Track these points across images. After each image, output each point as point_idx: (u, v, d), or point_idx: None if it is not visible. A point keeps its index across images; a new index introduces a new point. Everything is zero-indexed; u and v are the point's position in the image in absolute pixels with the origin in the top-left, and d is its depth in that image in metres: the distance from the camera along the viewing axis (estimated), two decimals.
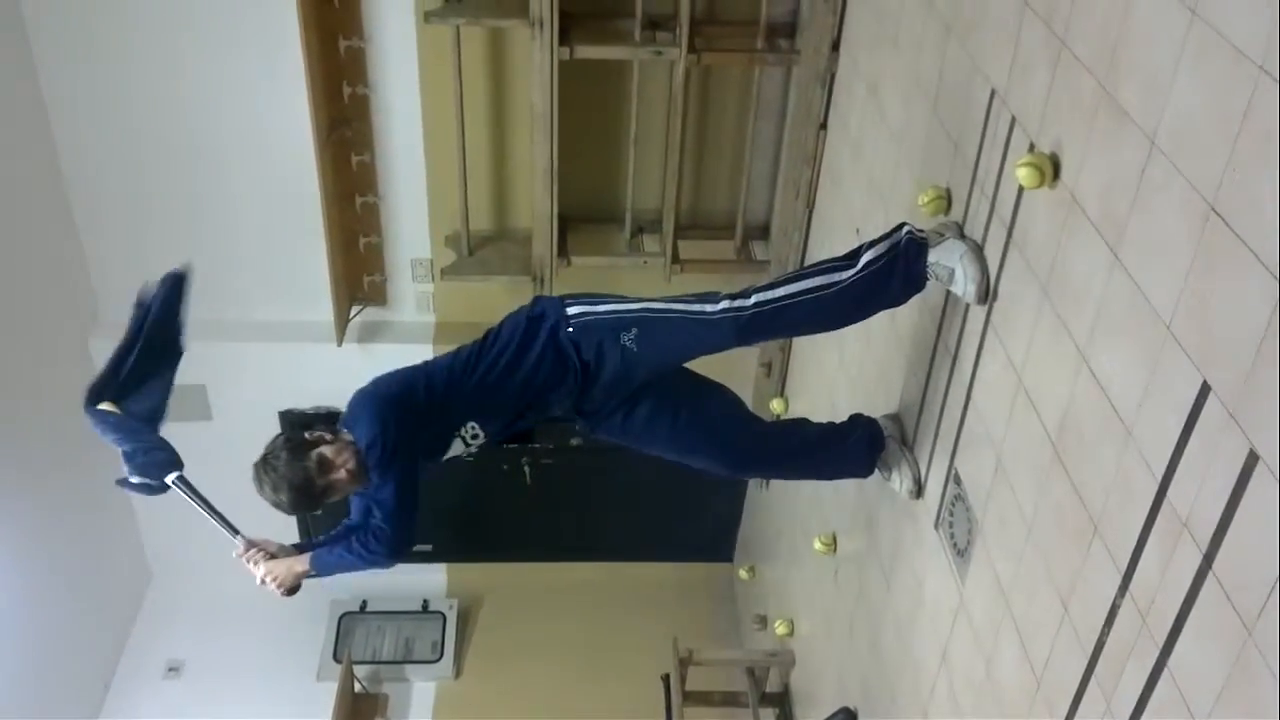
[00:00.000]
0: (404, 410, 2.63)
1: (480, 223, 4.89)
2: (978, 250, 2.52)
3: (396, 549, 2.65)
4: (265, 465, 2.59)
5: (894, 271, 2.59)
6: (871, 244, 2.63)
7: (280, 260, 4.98)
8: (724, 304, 2.64)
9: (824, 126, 3.99)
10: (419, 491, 2.67)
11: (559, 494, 5.94)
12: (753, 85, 4.53)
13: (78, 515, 5.28)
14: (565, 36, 4.08)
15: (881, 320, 3.27)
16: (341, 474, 2.57)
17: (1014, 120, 2.36)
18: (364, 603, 6.04)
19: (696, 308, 2.67)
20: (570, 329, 2.70)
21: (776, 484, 5.11)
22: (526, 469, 5.82)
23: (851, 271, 2.60)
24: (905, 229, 2.62)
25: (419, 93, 4.56)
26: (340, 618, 5.97)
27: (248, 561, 2.79)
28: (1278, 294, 1.49)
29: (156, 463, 2.66)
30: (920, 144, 2.99)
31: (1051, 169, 2.16)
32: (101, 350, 5.13)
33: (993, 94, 2.47)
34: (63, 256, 4.97)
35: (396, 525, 2.63)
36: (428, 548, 6.01)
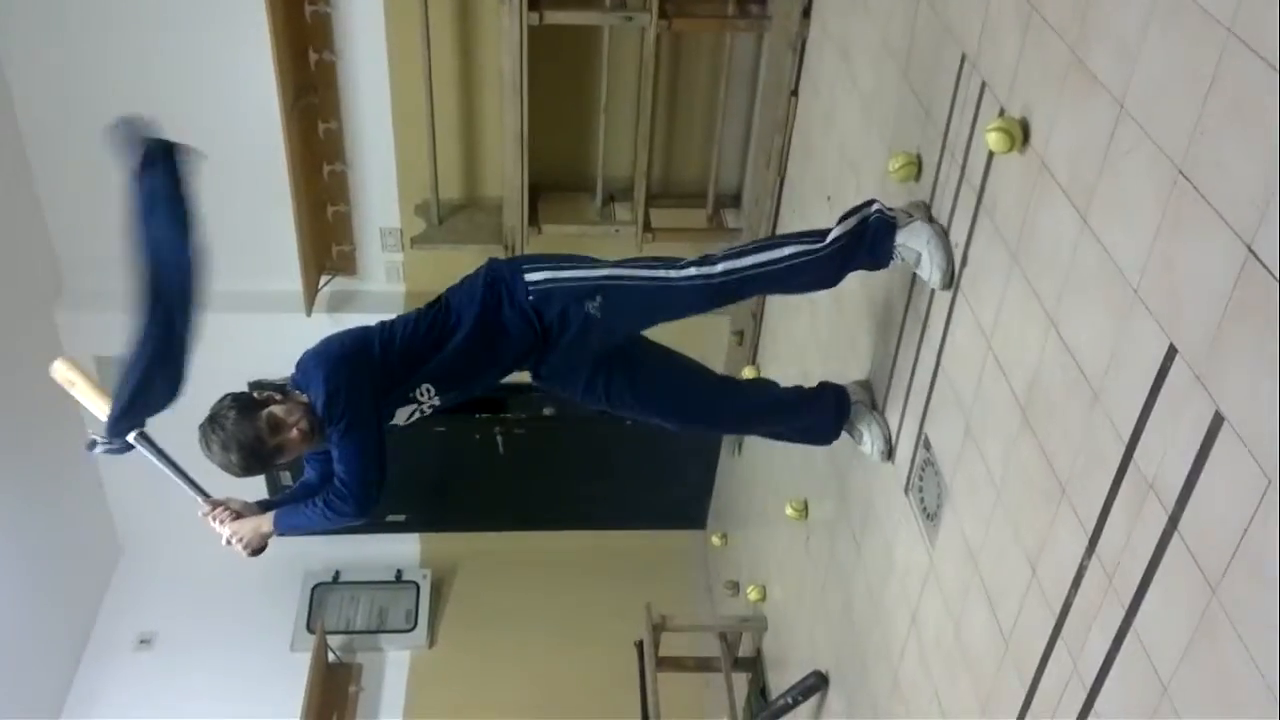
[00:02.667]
0: (357, 367, 2.57)
1: (450, 191, 4.85)
2: (944, 236, 2.54)
3: (363, 506, 2.59)
4: (213, 425, 2.51)
5: (860, 247, 2.63)
6: (841, 219, 2.64)
7: (248, 230, 4.91)
8: (691, 270, 2.63)
9: (795, 93, 3.98)
10: (384, 447, 2.60)
11: (532, 463, 5.94)
12: (724, 52, 4.51)
13: (46, 488, 5.24)
14: (535, 2, 4.04)
15: (852, 287, 3.27)
16: (293, 434, 2.52)
17: (984, 85, 2.36)
18: (337, 573, 6.03)
19: (662, 274, 2.66)
20: (531, 296, 2.66)
21: (749, 452, 5.13)
22: (499, 438, 5.81)
23: (818, 246, 2.63)
24: (874, 207, 2.64)
25: (386, 59, 4.50)
26: (313, 588, 5.96)
27: (213, 520, 2.71)
28: (1244, 257, 1.50)
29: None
30: (891, 110, 2.99)
31: (1021, 134, 2.16)
32: (67, 323, 5.12)
33: (963, 59, 2.47)
34: (25, 227, 4.90)
35: (361, 482, 2.57)
36: (401, 517, 6.00)
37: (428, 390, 2.67)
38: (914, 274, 2.77)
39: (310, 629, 5.70)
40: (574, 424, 5.71)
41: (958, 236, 2.51)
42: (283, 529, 2.71)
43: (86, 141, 4.70)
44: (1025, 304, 2.18)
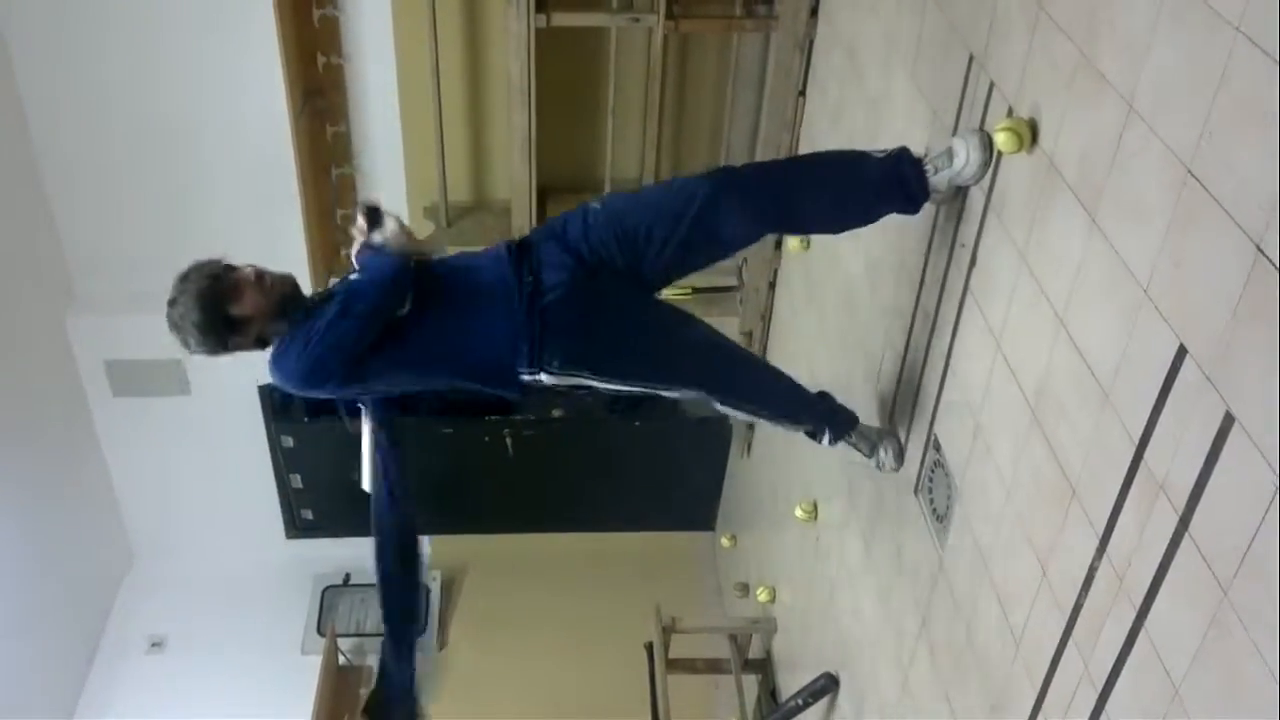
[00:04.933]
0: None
1: (458, 194, 4.86)
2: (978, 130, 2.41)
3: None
4: (176, 282, 2.44)
5: (893, 170, 2.48)
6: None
7: (256, 233, 4.90)
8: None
9: (803, 93, 3.97)
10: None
11: (541, 465, 5.94)
12: (731, 52, 4.51)
13: (58, 492, 5.26)
14: (542, 4, 4.04)
15: (861, 288, 3.27)
16: (248, 272, 2.46)
17: (992, 85, 2.35)
18: (347, 575, 6.05)
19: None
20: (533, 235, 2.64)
21: (758, 452, 5.13)
22: (508, 440, 5.82)
23: (846, 163, 2.58)
24: (901, 147, 2.54)
25: (394, 62, 4.51)
26: (323, 591, 5.98)
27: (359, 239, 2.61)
28: (1254, 257, 1.50)
29: None
30: (898, 110, 2.98)
31: (1030, 134, 2.15)
32: (77, 328, 5.13)
33: (971, 59, 2.46)
34: (36, 234, 4.92)
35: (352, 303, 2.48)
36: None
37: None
38: (921, 275, 2.77)
39: (321, 632, 5.72)
40: (583, 426, 5.71)
41: (966, 238, 2.51)
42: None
43: (96, 146, 4.76)
44: (1034, 304, 2.17)
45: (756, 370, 3.00)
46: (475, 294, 2.57)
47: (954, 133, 2.54)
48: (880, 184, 2.51)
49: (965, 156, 2.36)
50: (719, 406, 2.80)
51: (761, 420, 2.94)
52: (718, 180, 2.57)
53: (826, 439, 2.94)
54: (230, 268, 2.47)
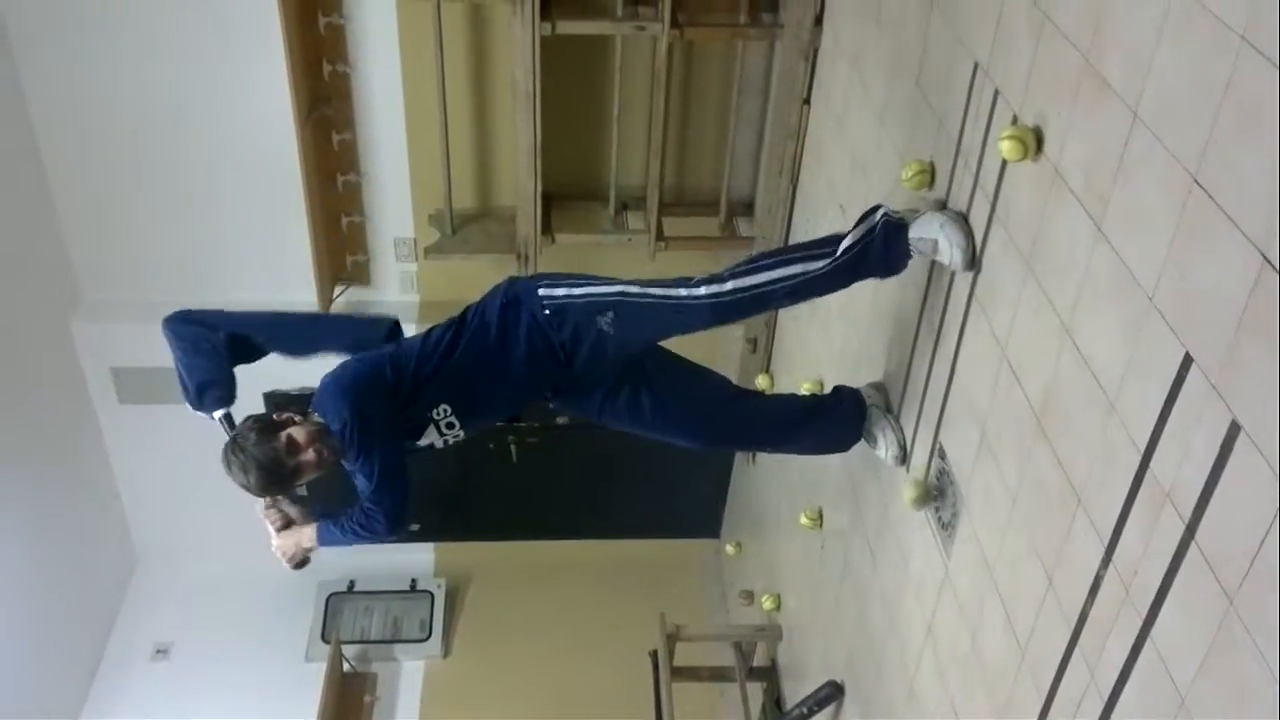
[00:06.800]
0: (368, 394, 2.62)
1: (463, 201, 4.86)
2: (959, 217, 2.52)
3: (392, 523, 2.65)
4: (234, 446, 2.57)
5: (870, 254, 2.60)
6: (853, 228, 2.63)
7: (262, 241, 4.95)
8: (702, 290, 2.65)
9: (807, 101, 3.98)
10: (403, 468, 2.66)
11: (545, 473, 5.94)
12: (736, 60, 4.51)
13: (62, 498, 5.26)
14: (547, 11, 4.05)
15: (865, 296, 3.27)
16: (310, 455, 2.57)
17: (997, 93, 2.36)
18: (352, 582, 6.05)
19: (674, 291, 2.68)
20: (546, 310, 2.70)
21: (763, 460, 5.13)
22: (513, 448, 5.82)
23: (829, 260, 2.62)
24: (881, 212, 2.62)
25: (400, 70, 4.52)
26: (328, 598, 5.98)
27: (267, 521, 2.78)
28: (1259, 265, 1.50)
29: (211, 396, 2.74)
30: (903, 118, 2.99)
31: (1035, 142, 2.15)
32: (83, 334, 5.14)
33: (976, 67, 2.47)
34: (42, 241, 4.93)
35: (387, 502, 2.63)
36: (415, 527, 6.00)
37: (444, 410, 2.70)
38: (927, 282, 2.77)
39: (325, 639, 5.71)
40: (588, 433, 5.67)
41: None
42: (322, 543, 2.77)
43: (103, 154, 4.77)
44: (1040, 313, 2.17)
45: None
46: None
47: (945, 209, 2.58)
48: (867, 273, 2.67)
49: (949, 255, 2.49)
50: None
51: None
52: (722, 309, 2.68)
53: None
54: (291, 449, 2.57)
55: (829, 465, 3.67)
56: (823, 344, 3.88)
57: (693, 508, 6.15)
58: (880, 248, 2.59)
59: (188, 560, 5.89)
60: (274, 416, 2.61)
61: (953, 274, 2.59)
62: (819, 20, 3.81)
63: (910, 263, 2.63)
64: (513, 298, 2.75)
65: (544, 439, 5.79)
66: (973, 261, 2.48)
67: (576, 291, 2.72)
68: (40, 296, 5.00)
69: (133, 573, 6.06)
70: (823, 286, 2.68)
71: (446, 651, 5.83)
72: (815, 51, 3.87)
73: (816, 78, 3.91)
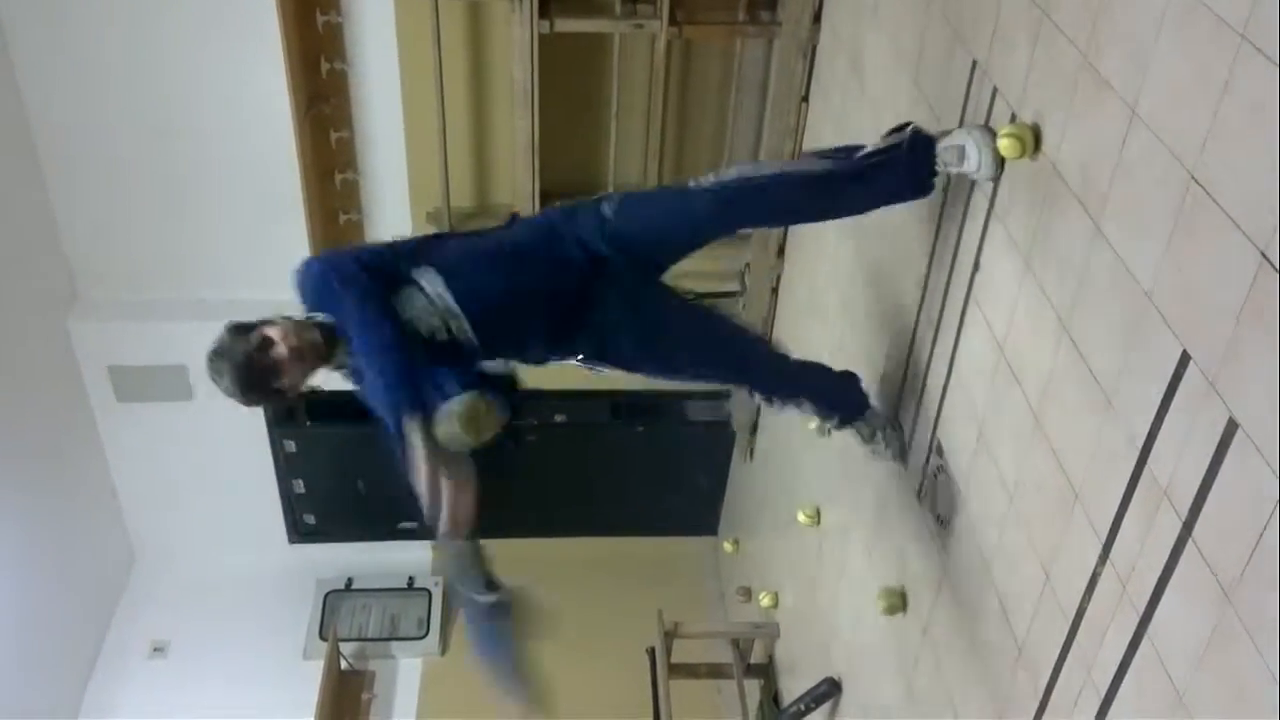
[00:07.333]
0: (351, 256, 2.49)
1: (461, 199, 4.86)
2: (986, 129, 2.38)
3: (395, 410, 2.44)
4: (212, 353, 2.43)
5: (896, 164, 2.45)
6: (882, 139, 2.52)
7: (260, 238, 4.94)
8: (707, 180, 2.52)
9: (805, 99, 3.98)
10: (400, 335, 2.43)
11: (543, 470, 5.93)
12: (734, 58, 4.51)
13: (60, 496, 5.26)
14: (545, 9, 4.05)
15: (865, 293, 3.27)
16: (282, 349, 2.39)
17: (995, 91, 2.36)
18: (349, 580, 6.05)
19: (677, 185, 2.62)
20: (560, 216, 2.61)
21: (760, 458, 5.13)
22: (511, 447, 5.81)
23: (847, 162, 2.48)
24: (911, 125, 2.49)
25: (398, 68, 4.52)
26: (326, 596, 5.98)
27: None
28: (1258, 262, 1.50)
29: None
30: (902, 116, 2.98)
31: (1033, 139, 2.16)
32: (80, 333, 5.14)
33: (974, 65, 2.47)
34: (40, 239, 4.92)
35: (380, 373, 2.41)
36: (412, 525, 6.00)
37: (431, 278, 2.50)
38: (925, 279, 2.77)
39: (323, 636, 5.71)
40: (585, 430, 5.71)
41: (970, 243, 2.51)
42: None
43: (100, 151, 4.77)
44: (1038, 310, 2.17)
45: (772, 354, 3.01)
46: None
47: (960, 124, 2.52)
48: (891, 187, 2.50)
49: (977, 159, 2.34)
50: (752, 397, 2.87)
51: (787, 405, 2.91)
52: (725, 198, 2.51)
53: (835, 421, 2.95)
54: (264, 345, 2.40)
55: (827, 463, 3.68)
56: (822, 342, 3.88)
57: (691, 505, 6.15)
58: (906, 156, 2.43)
59: (185, 558, 5.89)
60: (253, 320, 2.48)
61: (951, 269, 2.59)
62: (817, 18, 3.81)
63: (936, 182, 2.46)
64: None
65: (541, 437, 5.79)
66: (1000, 170, 2.33)
67: (588, 200, 2.63)
68: (37, 295, 5.00)
69: (130, 570, 6.05)
70: (839, 191, 2.51)
71: (444, 649, 5.83)
72: (813, 49, 3.87)
73: (815, 75, 3.91)
